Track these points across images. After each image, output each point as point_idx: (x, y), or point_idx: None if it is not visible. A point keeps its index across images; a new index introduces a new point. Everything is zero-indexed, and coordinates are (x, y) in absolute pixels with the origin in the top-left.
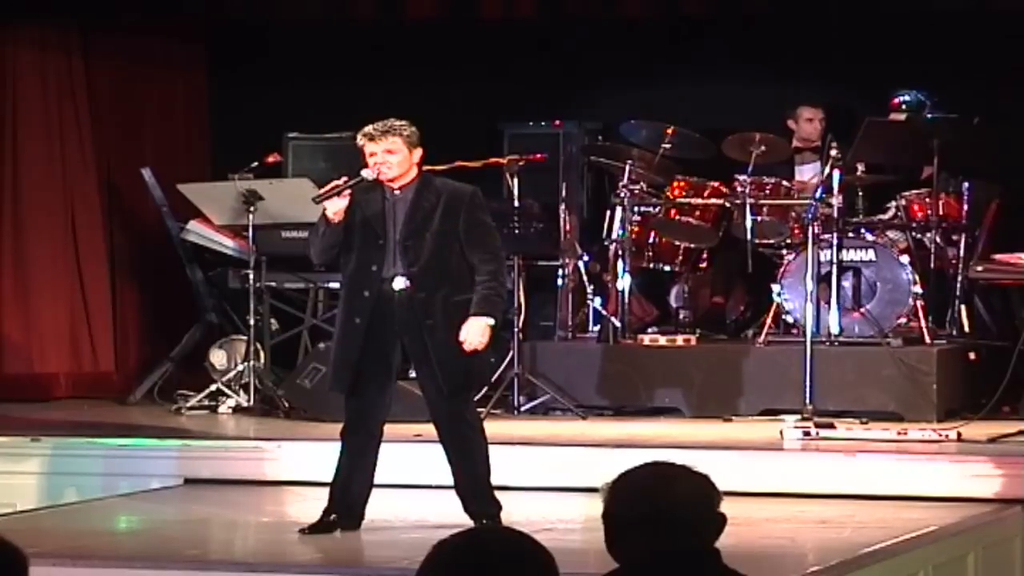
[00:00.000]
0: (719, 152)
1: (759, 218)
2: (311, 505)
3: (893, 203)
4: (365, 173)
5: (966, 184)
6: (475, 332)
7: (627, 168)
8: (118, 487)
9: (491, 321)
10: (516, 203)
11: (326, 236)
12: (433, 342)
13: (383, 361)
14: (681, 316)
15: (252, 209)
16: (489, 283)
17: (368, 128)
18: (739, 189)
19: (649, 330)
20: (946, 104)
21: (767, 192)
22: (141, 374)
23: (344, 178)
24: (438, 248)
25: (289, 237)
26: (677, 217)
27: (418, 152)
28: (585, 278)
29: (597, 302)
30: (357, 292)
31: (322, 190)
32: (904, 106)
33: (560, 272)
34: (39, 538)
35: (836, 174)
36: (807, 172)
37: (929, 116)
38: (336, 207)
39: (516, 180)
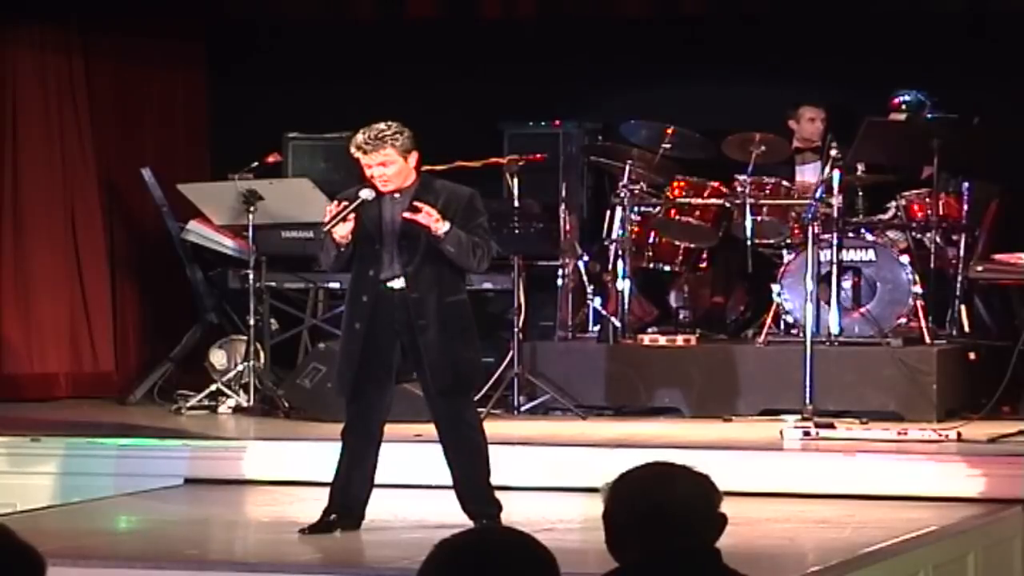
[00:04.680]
0: (719, 152)
1: (759, 218)
2: (311, 505)
3: (893, 203)
4: (364, 194)
5: (966, 184)
6: (426, 212)
7: (627, 168)
8: (118, 487)
9: (446, 227)
10: (516, 203)
11: (337, 258)
12: (425, 342)
13: (383, 362)
14: (681, 316)
15: (252, 209)
16: (472, 237)
17: (359, 139)
18: (739, 189)
19: (649, 330)
20: (946, 104)
21: (767, 192)
22: (141, 374)
23: (345, 203)
24: (432, 249)
25: (289, 237)
26: (677, 217)
27: (414, 156)
28: (585, 278)
29: (597, 302)
30: (357, 297)
31: (327, 219)
32: (904, 106)
33: (560, 272)
34: (39, 538)
35: (836, 174)
36: (807, 172)
37: (929, 116)
38: (343, 231)
39: (516, 180)
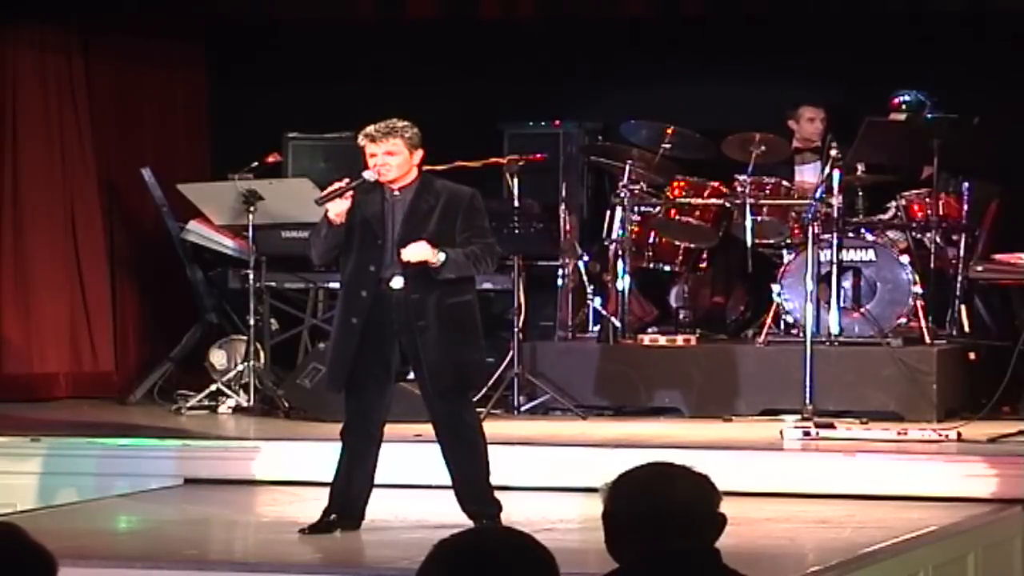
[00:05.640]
0: (719, 152)
1: (759, 218)
2: (311, 505)
3: (893, 203)
4: (367, 175)
5: (966, 184)
6: (415, 248)
7: (627, 168)
8: (118, 487)
9: (441, 256)
10: (516, 203)
11: (328, 238)
12: (424, 343)
13: (382, 361)
14: (681, 316)
15: (252, 209)
16: (471, 250)
17: (369, 129)
18: (739, 189)
19: (649, 330)
20: (946, 104)
21: (767, 192)
22: (141, 374)
23: (346, 180)
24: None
25: (289, 237)
26: (677, 217)
27: (419, 153)
28: (585, 278)
29: (597, 302)
30: (355, 292)
31: (324, 192)
32: (904, 106)
33: (560, 272)
34: (39, 538)
35: (836, 174)
36: (807, 172)
37: (929, 116)
38: (338, 208)
39: (516, 180)
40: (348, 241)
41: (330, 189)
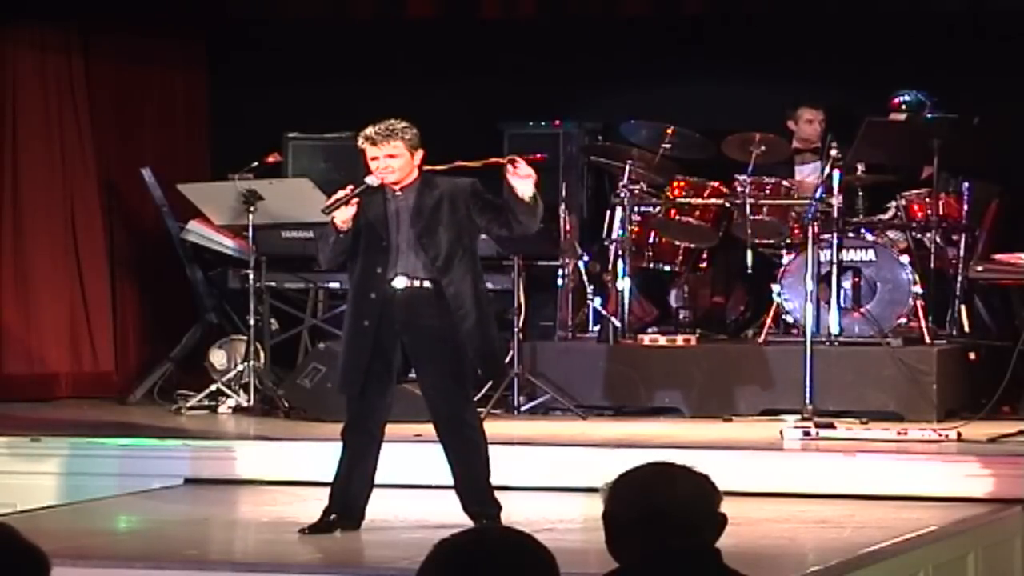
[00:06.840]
0: (719, 152)
1: (759, 218)
2: (311, 505)
3: (893, 203)
4: (369, 180)
5: (966, 184)
6: (527, 182)
7: (627, 168)
8: (118, 487)
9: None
10: None
11: (335, 244)
12: (466, 331)
13: (384, 361)
14: (681, 316)
15: (252, 209)
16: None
17: (369, 131)
18: (739, 189)
19: (649, 330)
20: (946, 104)
21: (767, 192)
22: (141, 374)
23: (350, 187)
24: (454, 239)
25: (289, 237)
26: (677, 217)
27: (419, 154)
28: (585, 278)
29: (597, 302)
30: (364, 295)
31: (329, 201)
32: (904, 106)
33: (560, 272)
34: (39, 538)
35: (836, 174)
36: (807, 172)
37: (929, 116)
38: (344, 216)
39: None
40: (355, 245)
41: (335, 198)
